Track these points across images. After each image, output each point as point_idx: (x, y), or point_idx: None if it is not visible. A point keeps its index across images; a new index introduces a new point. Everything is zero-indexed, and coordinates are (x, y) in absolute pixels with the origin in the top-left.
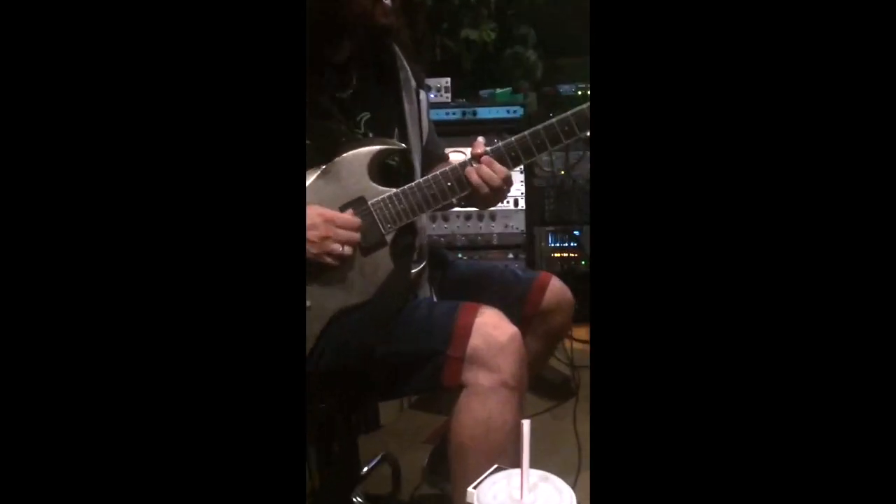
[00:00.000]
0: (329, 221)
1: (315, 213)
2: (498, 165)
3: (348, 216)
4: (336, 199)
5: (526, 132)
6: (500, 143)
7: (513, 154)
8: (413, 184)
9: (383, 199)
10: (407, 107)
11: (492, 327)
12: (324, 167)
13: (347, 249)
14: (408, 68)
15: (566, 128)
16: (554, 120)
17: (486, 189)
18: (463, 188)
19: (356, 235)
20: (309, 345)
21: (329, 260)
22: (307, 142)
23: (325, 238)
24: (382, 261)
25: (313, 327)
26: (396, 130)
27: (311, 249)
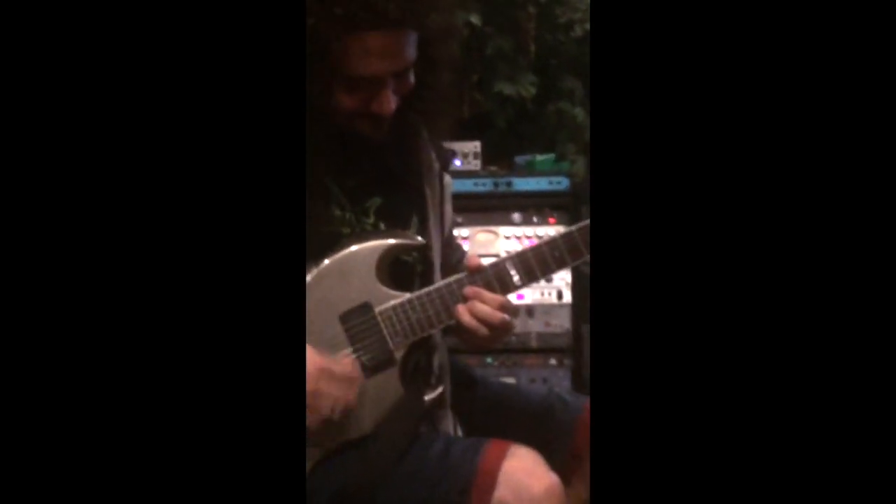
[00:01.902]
0: (323, 373)
1: (309, 361)
2: (488, 295)
3: (348, 368)
4: (336, 304)
5: (542, 242)
6: (503, 259)
7: (520, 270)
8: (432, 288)
9: (393, 307)
10: (428, 192)
11: (525, 474)
12: (324, 263)
13: (338, 412)
14: (430, 146)
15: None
16: (574, 229)
17: (483, 330)
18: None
19: (353, 396)
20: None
21: (313, 420)
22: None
23: (314, 394)
24: (390, 384)
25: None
26: (415, 220)
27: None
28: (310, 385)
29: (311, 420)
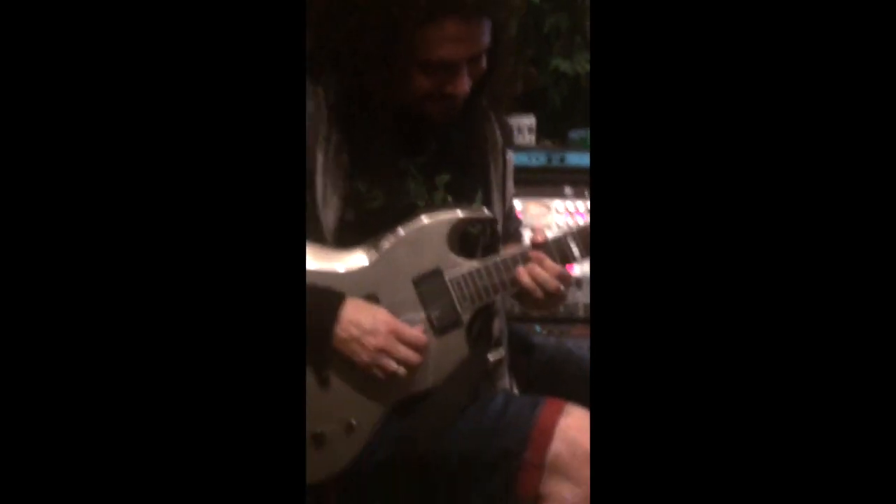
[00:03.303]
0: (392, 333)
1: (381, 320)
2: (549, 262)
3: (417, 333)
4: (409, 269)
5: None
6: (564, 234)
7: (578, 246)
8: (498, 259)
9: (462, 275)
10: (492, 168)
11: (579, 431)
12: (399, 233)
13: (402, 370)
14: (495, 124)
15: None
16: None
17: (539, 293)
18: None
19: (418, 358)
20: (363, 438)
21: (378, 374)
22: (376, 203)
23: (382, 351)
24: (457, 344)
25: (369, 416)
26: (479, 194)
27: (360, 355)
28: (377, 341)
29: (370, 371)
